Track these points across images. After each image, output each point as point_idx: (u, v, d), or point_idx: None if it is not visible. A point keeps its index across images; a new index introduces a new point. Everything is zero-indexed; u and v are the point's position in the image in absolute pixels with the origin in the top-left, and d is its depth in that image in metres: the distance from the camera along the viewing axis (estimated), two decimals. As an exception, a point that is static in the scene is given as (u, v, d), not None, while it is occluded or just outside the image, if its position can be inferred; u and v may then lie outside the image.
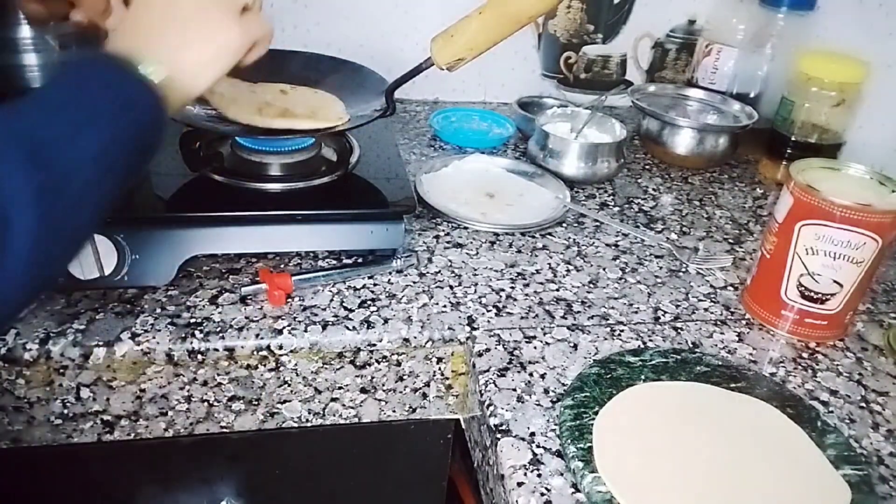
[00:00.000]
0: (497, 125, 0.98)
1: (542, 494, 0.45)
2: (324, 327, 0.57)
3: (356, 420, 0.62)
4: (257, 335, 0.56)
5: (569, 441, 0.47)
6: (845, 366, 0.61)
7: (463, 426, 0.63)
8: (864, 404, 0.57)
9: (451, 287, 0.65)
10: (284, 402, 0.59)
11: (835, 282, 0.59)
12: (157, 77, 0.41)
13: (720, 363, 0.57)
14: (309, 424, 0.61)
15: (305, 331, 0.57)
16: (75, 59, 0.41)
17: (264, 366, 0.57)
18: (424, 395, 0.63)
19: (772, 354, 0.61)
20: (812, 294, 0.61)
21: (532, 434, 0.50)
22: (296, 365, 0.58)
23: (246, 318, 0.58)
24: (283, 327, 0.57)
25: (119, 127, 0.38)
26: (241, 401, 0.58)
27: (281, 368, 0.57)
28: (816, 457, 0.49)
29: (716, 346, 0.61)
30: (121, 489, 0.63)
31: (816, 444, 0.50)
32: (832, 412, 0.55)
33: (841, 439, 0.51)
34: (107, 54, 0.42)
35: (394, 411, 0.63)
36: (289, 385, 0.59)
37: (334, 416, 0.61)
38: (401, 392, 0.62)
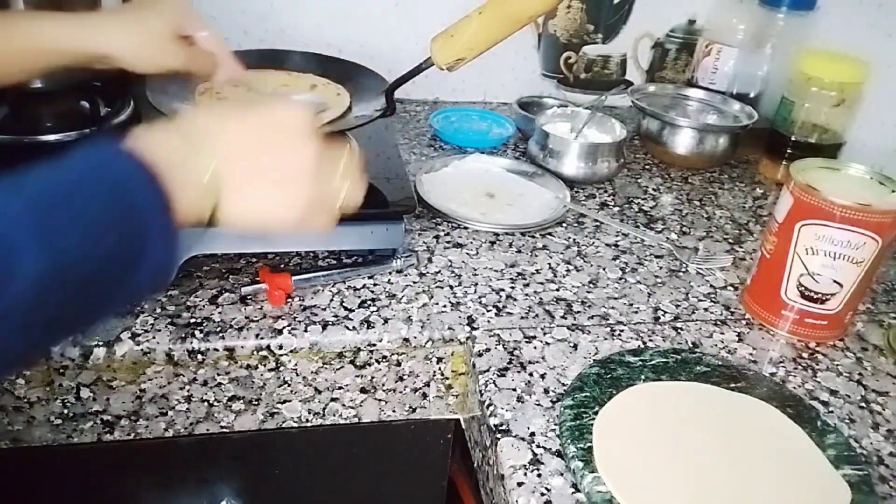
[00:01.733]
0: (497, 125, 0.98)
1: (542, 494, 0.45)
2: (324, 327, 0.57)
3: (356, 420, 0.62)
4: (257, 335, 0.56)
5: (569, 441, 0.47)
6: (845, 366, 0.61)
7: (463, 426, 0.63)
8: (864, 404, 0.57)
9: (451, 287, 0.65)
10: (284, 402, 0.59)
11: (835, 282, 0.59)
12: (204, 173, 0.36)
13: (720, 363, 0.57)
14: (309, 424, 0.61)
15: (305, 331, 0.57)
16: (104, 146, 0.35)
17: (264, 366, 0.57)
18: (424, 395, 0.63)
19: (772, 354, 0.61)
20: (812, 294, 0.61)
21: (532, 434, 0.50)
22: (296, 365, 0.58)
23: (246, 318, 0.58)
24: (283, 327, 0.57)
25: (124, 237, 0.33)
26: (241, 401, 0.58)
27: (281, 368, 0.58)
28: (816, 457, 0.49)
29: (716, 346, 0.61)
30: (121, 489, 0.63)
31: (816, 444, 0.50)
32: (832, 412, 0.55)
33: (841, 439, 0.51)
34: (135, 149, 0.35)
35: (394, 411, 0.63)
36: (289, 385, 0.59)
37: (334, 416, 0.61)
38: (401, 392, 0.62)
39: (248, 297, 0.59)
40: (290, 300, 0.60)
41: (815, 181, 0.58)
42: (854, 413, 0.55)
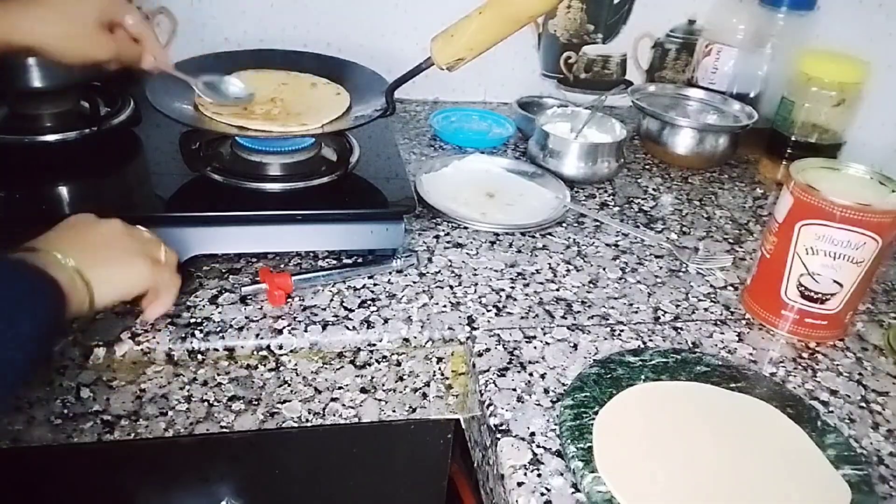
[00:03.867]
0: (497, 125, 0.98)
1: (542, 494, 0.45)
2: (324, 327, 0.57)
3: (356, 420, 0.62)
4: (257, 335, 0.56)
5: (569, 441, 0.47)
6: (845, 366, 0.61)
7: (463, 426, 0.63)
8: (864, 404, 0.56)
9: (451, 287, 0.65)
10: (284, 401, 0.59)
11: (835, 282, 0.59)
12: (67, 265, 0.45)
13: (720, 363, 0.57)
14: (309, 424, 0.61)
15: (305, 331, 0.57)
16: None
17: (264, 366, 0.57)
18: (424, 395, 0.63)
19: (772, 354, 0.61)
20: (812, 294, 0.61)
21: (532, 434, 0.50)
22: (296, 365, 0.58)
23: (246, 317, 0.58)
24: (283, 327, 0.57)
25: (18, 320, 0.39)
26: (241, 401, 0.58)
27: (281, 368, 0.57)
28: (816, 457, 0.49)
29: (716, 346, 0.61)
30: (121, 489, 0.63)
31: (816, 444, 0.50)
32: (832, 412, 0.55)
33: (841, 439, 0.51)
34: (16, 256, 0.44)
35: (394, 411, 0.63)
36: (289, 385, 0.59)
37: (334, 415, 0.61)
38: (401, 392, 0.62)
39: (249, 297, 0.59)
40: (290, 300, 0.60)
41: (815, 181, 0.58)
42: (854, 413, 0.55)
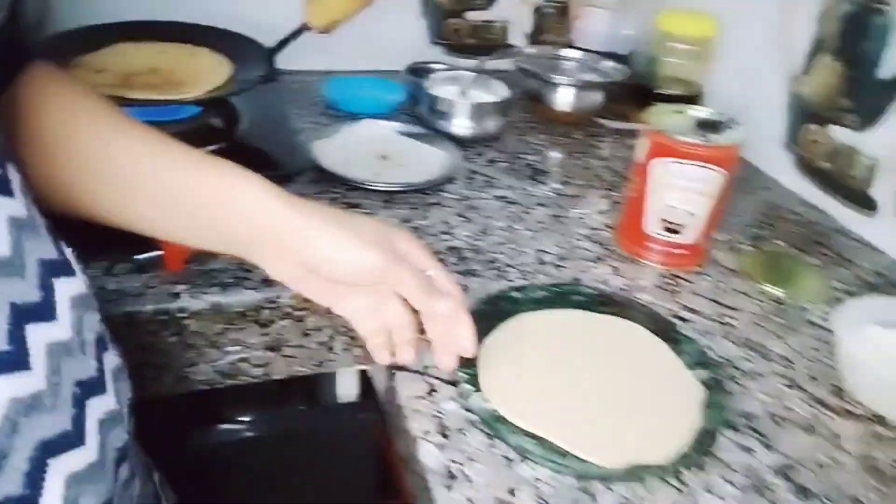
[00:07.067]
0: (389, 91, 1.01)
1: (437, 416, 0.50)
2: (223, 288, 0.59)
3: (266, 377, 0.64)
4: (156, 300, 0.57)
5: (458, 368, 0.52)
6: (704, 287, 0.69)
7: (369, 375, 0.67)
8: (719, 318, 0.64)
9: (348, 244, 0.67)
10: (191, 365, 0.61)
11: (689, 213, 0.67)
12: None
13: (595, 293, 0.63)
14: (220, 386, 0.63)
15: (205, 293, 0.58)
16: None
17: (167, 331, 0.58)
18: (331, 349, 0.65)
19: (641, 283, 0.68)
20: (671, 226, 0.68)
21: (426, 367, 0.54)
22: (199, 328, 0.59)
23: (143, 285, 0.58)
24: (182, 291, 0.58)
25: None
26: (148, 367, 0.59)
27: (184, 333, 0.59)
28: (675, 364, 0.56)
29: (593, 279, 0.68)
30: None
31: (676, 354, 0.57)
32: (692, 327, 0.63)
33: (697, 348, 0.58)
34: None
35: (302, 366, 0.65)
36: (194, 348, 0.60)
37: (244, 375, 0.63)
38: (307, 347, 0.64)
39: (145, 263, 0.60)
40: (188, 265, 0.61)
41: (665, 124, 0.65)
42: (710, 327, 0.63)
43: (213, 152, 0.65)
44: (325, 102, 0.97)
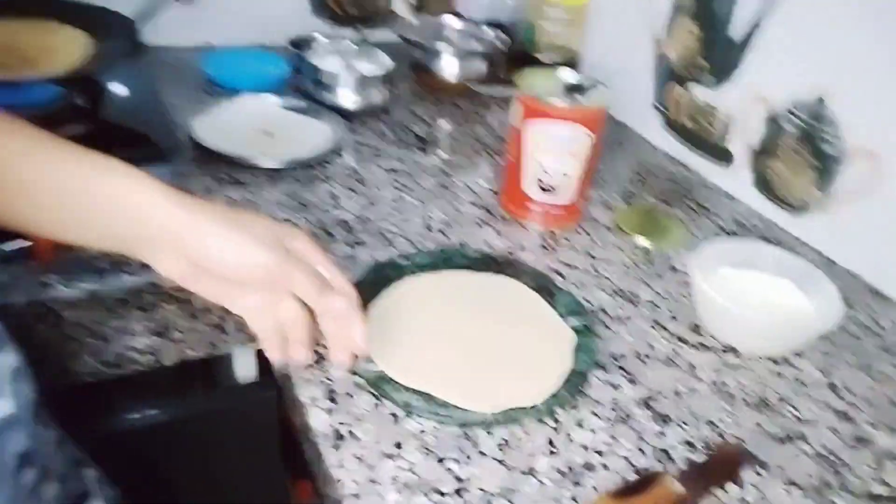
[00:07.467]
0: (272, 66, 0.99)
1: (325, 383, 0.51)
2: (100, 275, 0.58)
3: (157, 363, 0.63)
4: (27, 292, 0.55)
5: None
6: (581, 243, 0.73)
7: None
8: (593, 271, 0.69)
9: (233, 222, 0.67)
10: (73, 358, 0.59)
11: (563, 174, 0.71)
12: None
13: (478, 255, 0.66)
14: (108, 378, 0.61)
15: (80, 281, 0.57)
16: None
17: (43, 323, 0.56)
18: (222, 330, 0.65)
19: (523, 243, 0.72)
20: (547, 187, 0.72)
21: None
22: (77, 318, 0.57)
23: (11, 276, 0.56)
24: (55, 281, 0.56)
25: None
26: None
27: (61, 324, 0.57)
28: (550, 315, 0.60)
29: (478, 242, 0.71)
30: None
31: (551, 305, 0.61)
32: (567, 280, 0.67)
33: (571, 299, 0.62)
34: None
35: (194, 350, 0.65)
36: (74, 340, 0.58)
37: (132, 363, 0.62)
38: (197, 330, 0.64)
39: (12, 254, 0.57)
40: (59, 253, 0.59)
41: (536, 88, 0.68)
42: (585, 279, 0.68)
43: (78, 135, 0.63)
44: (204, 78, 0.95)
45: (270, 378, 0.75)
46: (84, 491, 0.49)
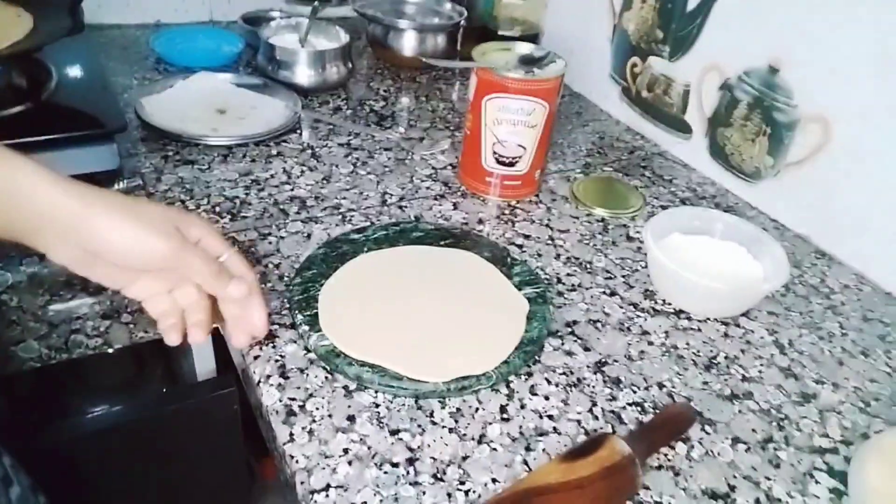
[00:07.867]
0: (226, 43, 0.97)
1: (277, 360, 0.50)
2: (41, 258, 0.56)
3: (106, 346, 0.62)
4: (-36, 277, 0.53)
5: (297, 311, 0.53)
6: (538, 215, 0.73)
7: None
8: (549, 241, 0.69)
9: (183, 201, 0.66)
10: (18, 343, 0.58)
11: (519, 146, 0.70)
12: None
13: (434, 228, 0.66)
14: (53, 362, 0.60)
15: (20, 265, 0.55)
16: None
17: (-17, 308, 0.55)
18: (175, 310, 0.64)
19: (480, 216, 0.72)
20: (504, 159, 0.71)
21: (269, 314, 0.54)
22: (19, 302, 0.56)
23: (-53, 262, 0.54)
24: (-6, 264, 0.55)
25: None
26: (-35, 349, 0.55)
27: (3, 308, 0.55)
28: (505, 285, 0.59)
29: (434, 216, 0.70)
30: None
31: (506, 276, 0.60)
32: (524, 251, 0.67)
33: (526, 269, 0.62)
34: None
35: (146, 332, 0.64)
36: (18, 324, 0.57)
37: (80, 347, 0.61)
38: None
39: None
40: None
41: (491, 61, 0.68)
42: (542, 249, 0.68)
43: (17, 114, 0.61)
44: (155, 57, 0.92)
45: (231, 368, 0.75)
46: (5, 476, 0.48)
